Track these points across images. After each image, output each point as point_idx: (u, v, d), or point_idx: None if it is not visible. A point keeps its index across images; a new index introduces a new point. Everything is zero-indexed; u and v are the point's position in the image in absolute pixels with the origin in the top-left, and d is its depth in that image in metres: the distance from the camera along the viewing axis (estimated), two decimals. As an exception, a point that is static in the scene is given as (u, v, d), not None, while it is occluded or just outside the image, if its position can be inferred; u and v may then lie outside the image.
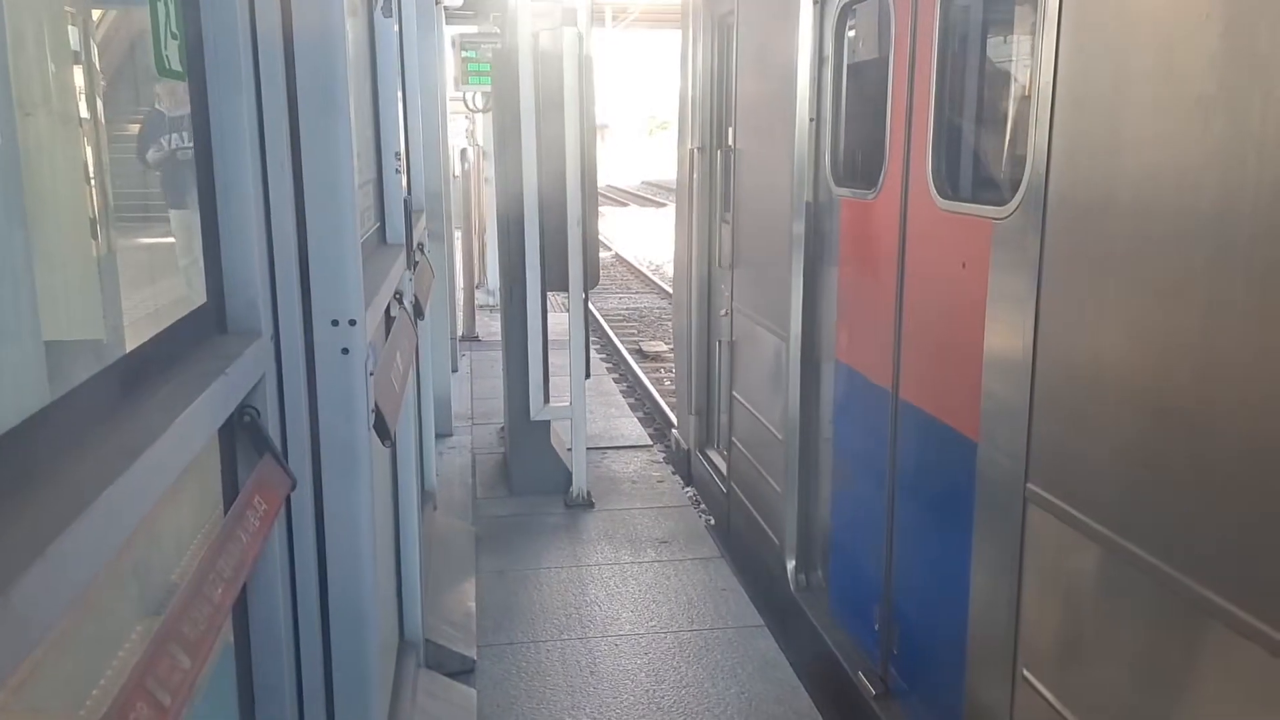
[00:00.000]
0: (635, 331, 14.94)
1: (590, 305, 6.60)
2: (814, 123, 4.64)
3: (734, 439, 6.11)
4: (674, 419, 8.49)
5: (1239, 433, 2.15)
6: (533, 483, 6.60)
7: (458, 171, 12.32)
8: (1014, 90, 3.47)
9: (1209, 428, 2.23)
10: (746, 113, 5.74)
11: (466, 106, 11.69)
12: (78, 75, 1.67)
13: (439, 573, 4.96)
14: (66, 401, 1.29)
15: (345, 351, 2.20)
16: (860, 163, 4.34)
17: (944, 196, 3.50)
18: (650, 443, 7.95)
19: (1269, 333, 2.06)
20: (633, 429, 8.27)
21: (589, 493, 6.48)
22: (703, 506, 7.21)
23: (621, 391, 10.26)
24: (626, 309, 16.94)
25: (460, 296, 11.60)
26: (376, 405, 2.41)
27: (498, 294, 10.06)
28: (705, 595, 5.20)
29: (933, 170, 3.55)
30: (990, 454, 3.17)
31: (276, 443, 1.99)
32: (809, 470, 4.94)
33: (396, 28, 3.84)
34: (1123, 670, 2.58)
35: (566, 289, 6.33)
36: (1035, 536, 2.93)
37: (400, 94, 3.98)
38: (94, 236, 1.78)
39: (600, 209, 6.88)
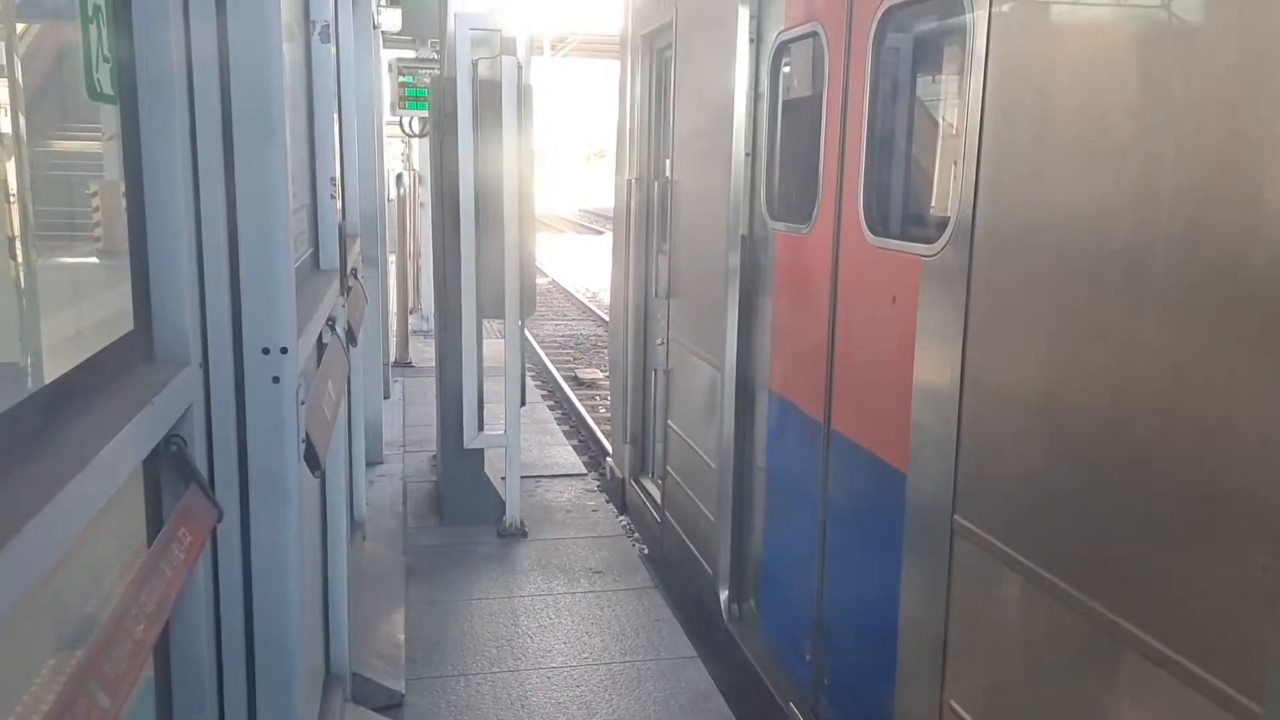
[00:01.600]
0: (571, 359, 14.92)
1: (526, 332, 6.58)
2: (749, 157, 4.71)
3: (669, 468, 6.12)
4: (609, 447, 8.49)
5: (1154, 467, 2.21)
6: (465, 512, 6.52)
7: (393, 195, 12.23)
8: (942, 130, 3.55)
9: (1125, 461, 2.29)
10: (684, 145, 5.82)
11: (403, 131, 11.63)
12: (0, 90, 1.63)
13: (367, 604, 4.87)
14: (-17, 433, 1.25)
15: (276, 380, 2.16)
16: (794, 197, 4.41)
17: (875, 233, 3.57)
18: (585, 471, 7.92)
19: (1179, 370, 2.14)
20: (567, 457, 8.24)
21: (522, 522, 6.42)
22: (637, 536, 7.21)
23: (556, 419, 10.22)
24: (563, 336, 16.92)
25: (394, 321, 11.47)
26: (307, 435, 2.37)
27: (432, 319, 9.97)
28: (638, 626, 5.18)
29: (864, 207, 3.62)
30: (919, 485, 3.21)
31: (203, 473, 1.94)
32: (743, 500, 4.95)
33: (334, 52, 3.82)
34: (1047, 702, 2.61)
35: (502, 316, 6.31)
36: (961, 568, 2.97)
37: (337, 119, 3.94)
38: (12, 257, 1.73)
39: (537, 236, 6.96)
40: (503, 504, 6.42)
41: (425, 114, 9.94)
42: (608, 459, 8.20)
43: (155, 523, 1.83)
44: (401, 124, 11.24)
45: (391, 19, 8.46)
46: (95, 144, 1.92)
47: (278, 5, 2.04)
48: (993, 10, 2.74)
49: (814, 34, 4.04)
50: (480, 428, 6.40)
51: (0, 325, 1.60)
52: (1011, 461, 2.74)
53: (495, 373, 6.68)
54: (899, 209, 3.69)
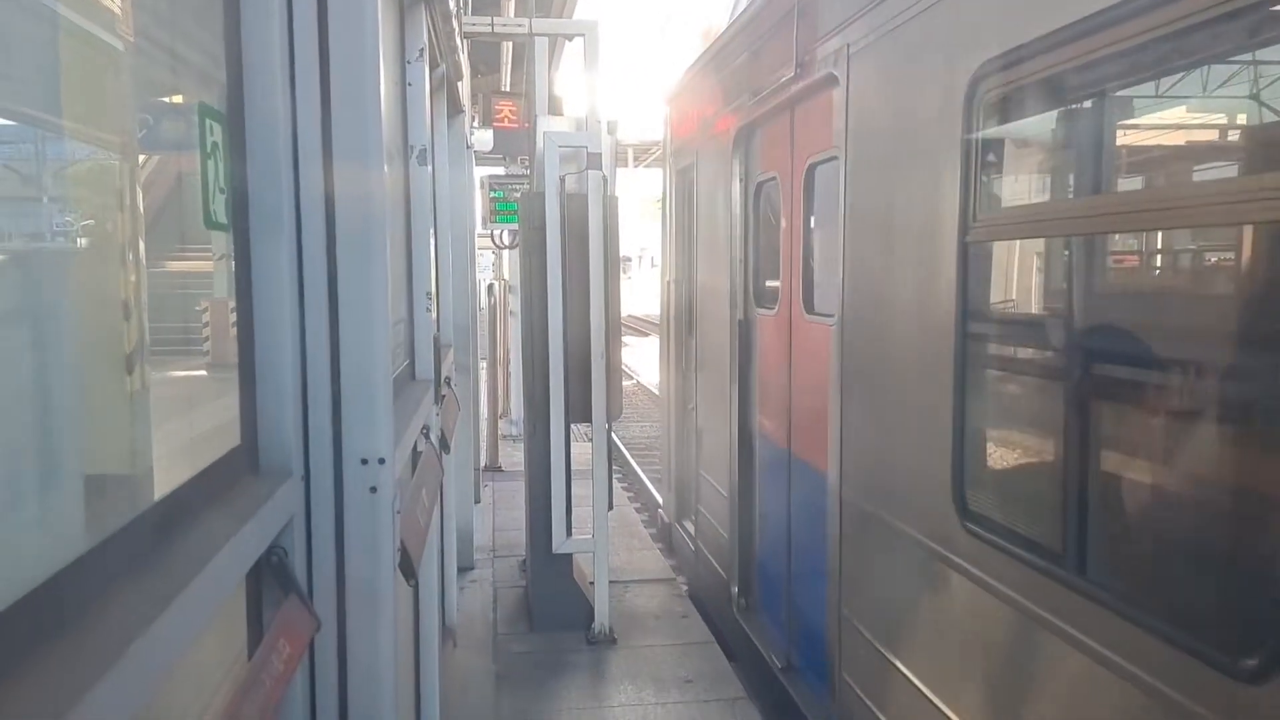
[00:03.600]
0: (657, 459, 14.86)
1: (613, 435, 6.64)
2: (743, 263, 6.24)
3: (699, 507, 7.62)
4: (660, 499, 9.99)
5: (920, 449, 3.54)
6: (554, 618, 6.47)
7: (484, 305, 12.58)
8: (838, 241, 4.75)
9: (906, 445, 3.69)
10: (703, 254, 7.35)
11: (494, 243, 12.03)
12: (125, 217, 1.75)
13: (459, 714, 4.83)
14: (102, 549, 1.30)
15: (373, 490, 2.21)
16: (767, 289, 5.94)
17: (808, 312, 5.07)
18: (673, 575, 7.81)
19: (940, 407, 3.36)
20: (655, 562, 8.14)
21: (612, 628, 6.34)
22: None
23: (643, 521, 10.15)
24: (649, 437, 16.91)
25: (484, 427, 11.66)
26: (402, 543, 2.41)
27: (521, 424, 10.11)
28: (732, 739, 5.01)
29: (802, 293, 5.14)
30: (834, 479, 4.47)
31: (302, 583, 1.98)
32: (747, 518, 6.33)
33: (431, 173, 4.00)
34: (896, 604, 3.87)
35: (590, 420, 6.36)
36: (846, 522, 4.32)
37: (432, 234, 4.11)
38: (128, 371, 1.83)
39: (623, 339, 7.57)
40: (591, 610, 6.35)
41: (515, 226, 10.30)
42: (659, 510, 9.72)
43: (255, 631, 1.87)
44: (492, 236, 11.64)
45: (484, 139, 8.86)
46: (206, 263, 2.05)
47: (380, 136, 2.17)
48: (848, 167, 4.19)
49: (774, 178, 5.67)
50: (569, 533, 6.39)
51: (114, 438, 1.69)
52: (861, 452, 4.21)
53: (584, 475, 6.70)
54: (818, 294, 5.07)
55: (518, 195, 9.40)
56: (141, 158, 1.93)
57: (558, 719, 5.22)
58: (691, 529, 7.86)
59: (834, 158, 4.43)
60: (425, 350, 3.73)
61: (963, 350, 3.25)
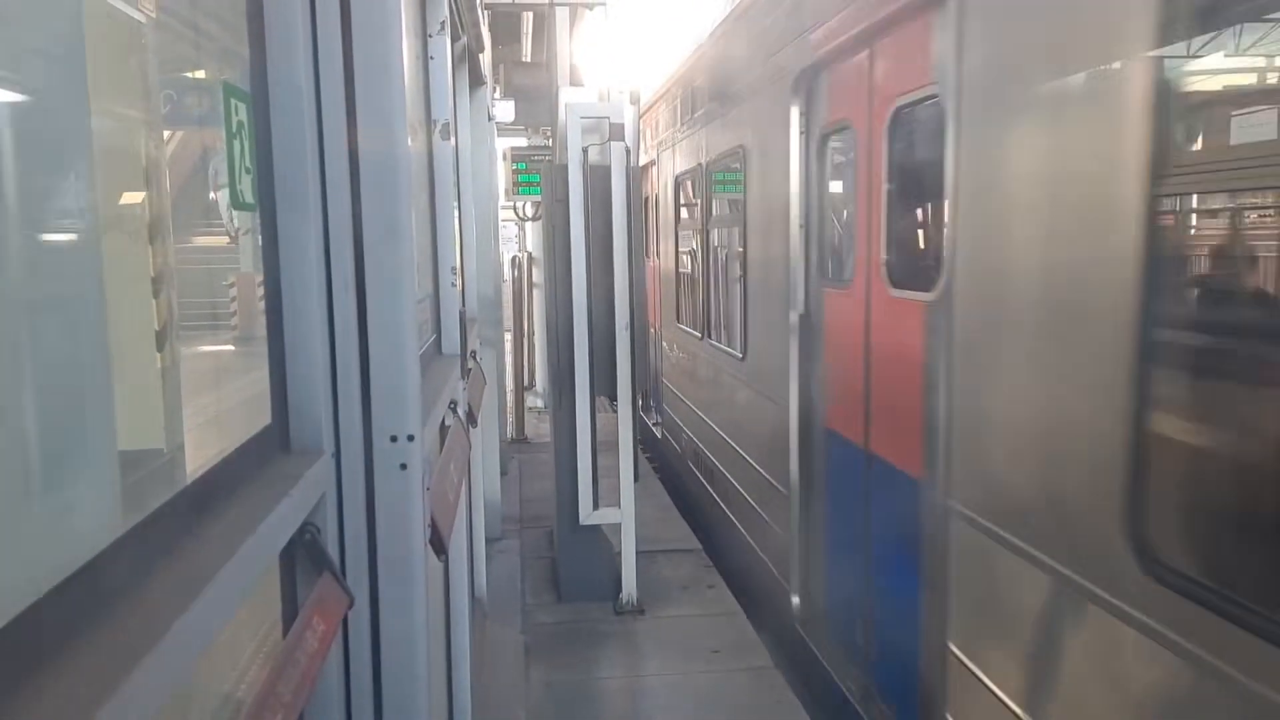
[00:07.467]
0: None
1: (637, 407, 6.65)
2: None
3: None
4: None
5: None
6: (582, 588, 6.52)
7: (507, 277, 12.58)
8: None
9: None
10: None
11: (517, 215, 12.00)
12: (150, 193, 1.75)
13: (488, 685, 4.89)
14: (139, 529, 1.32)
15: (403, 467, 2.22)
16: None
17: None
18: (699, 545, 7.84)
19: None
20: (681, 531, 8.17)
21: (639, 599, 6.38)
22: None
23: (670, 491, 10.17)
24: (674, 409, 16.92)
25: (510, 399, 11.69)
26: (433, 519, 2.42)
27: (546, 396, 10.14)
28: (760, 708, 5.04)
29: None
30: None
31: (334, 560, 2.00)
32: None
33: (454, 146, 3.99)
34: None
35: (614, 394, 6.36)
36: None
37: (456, 209, 4.11)
38: (159, 348, 1.83)
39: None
40: (619, 580, 6.39)
41: (538, 198, 10.27)
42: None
43: (289, 608, 1.89)
44: (515, 208, 11.61)
45: (505, 110, 8.82)
46: (231, 239, 2.05)
47: (404, 113, 2.15)
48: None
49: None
50: (595, 504, 6.41)
51: (146, 413, 1.70)
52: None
53: (610, 447, 6.72)
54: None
55: (541, 167, 9.38)
56: (166, 133, 1.93)
57: (587, 689, 5.27)
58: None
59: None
60: (451, 325, 3.74)
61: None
